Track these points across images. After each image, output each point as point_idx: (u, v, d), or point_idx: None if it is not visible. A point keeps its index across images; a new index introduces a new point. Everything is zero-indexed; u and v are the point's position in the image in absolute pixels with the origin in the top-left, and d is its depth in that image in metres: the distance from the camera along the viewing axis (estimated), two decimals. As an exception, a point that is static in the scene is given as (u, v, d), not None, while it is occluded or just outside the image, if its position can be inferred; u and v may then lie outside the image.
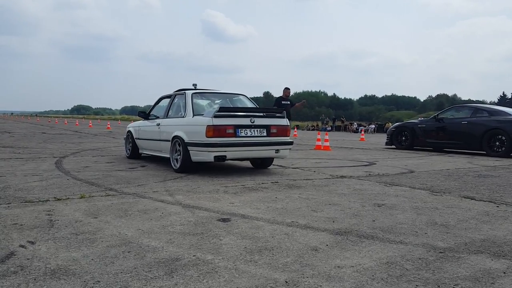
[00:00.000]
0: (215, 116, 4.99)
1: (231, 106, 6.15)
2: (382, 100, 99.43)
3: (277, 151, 5.45)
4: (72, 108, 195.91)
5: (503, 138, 9.08)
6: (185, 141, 5.21)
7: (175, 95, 6.19)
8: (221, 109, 5.15)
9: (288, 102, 10.06)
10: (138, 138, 6.91)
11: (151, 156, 7.20)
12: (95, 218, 2.91)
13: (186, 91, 5.85)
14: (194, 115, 5.41)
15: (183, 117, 5.57)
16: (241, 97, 6.36)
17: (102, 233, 2.55)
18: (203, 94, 6.14)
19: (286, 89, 10.12)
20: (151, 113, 6.75)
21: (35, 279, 1.83)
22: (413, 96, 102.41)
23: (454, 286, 1.85)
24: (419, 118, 14.56)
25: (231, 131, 5.07)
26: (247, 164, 6.48)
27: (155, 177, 4.91)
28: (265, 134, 5.35)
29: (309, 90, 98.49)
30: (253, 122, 5.24)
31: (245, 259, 2.15)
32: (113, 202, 3.44)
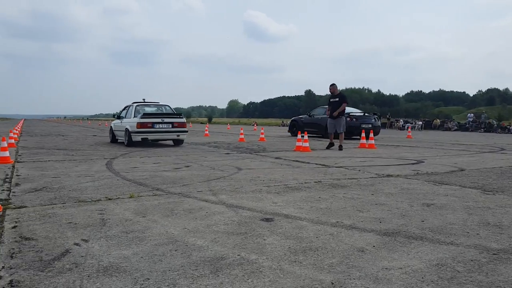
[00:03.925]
0: (141, 117, 9.75)
1: (158, 112, 10.88)
2: (429, 96, 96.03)
3: (178, 135, 10.23)
4: (120, 111, 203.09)
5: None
6: (129, 130, 9.91)
7: (130, 105, 10.91)
8: (145, 114, 9.94)
9: (337, 99, 9.63)
10: (115, 130, 11.47)
11: (194, 158, 7.35)
12: (143, 217, 3.02)
13: (133, 104, 10.79)
14: (134, 117, 10.06)
15: (130, 118, 10.28)
16: (166, 106, 11.33)
17: (150, 231, 2.64)
18: (142, 104, 10.97)
19: (332, 86, 9.79)
20: (120, 115, 11.27)
21: (88, 276, 1.92)
22: (462, 91, 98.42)
23: (511, 291, 1.76)
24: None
25: (150, 125, 9.80)
26: (289, 163, 6.48)
27: (199, 177, 5.00)
28: (170, 127, 10.06)
29: (352, 87, 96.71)
30: (163, 121, 9.97)
31: (289, 259, 2.15)
32: (160, 202, 3.54)
